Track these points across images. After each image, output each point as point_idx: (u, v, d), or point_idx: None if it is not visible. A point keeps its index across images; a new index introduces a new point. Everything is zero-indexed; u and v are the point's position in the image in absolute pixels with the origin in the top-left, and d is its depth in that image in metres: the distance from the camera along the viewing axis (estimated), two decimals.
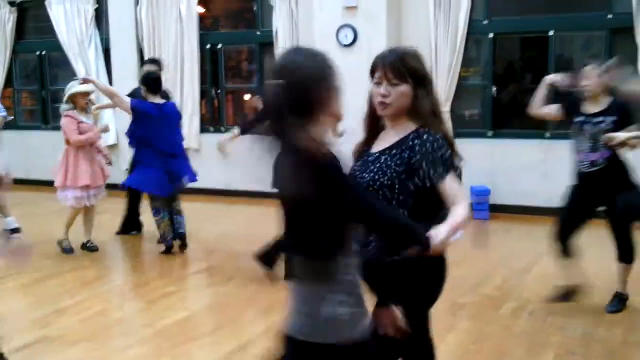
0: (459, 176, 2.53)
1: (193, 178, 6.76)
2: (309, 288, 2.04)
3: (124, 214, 7.35)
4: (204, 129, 9.77)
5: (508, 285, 5.47)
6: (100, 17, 10.27)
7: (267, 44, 9.21)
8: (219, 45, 9.74)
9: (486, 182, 7.94)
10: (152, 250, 6.65)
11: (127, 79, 9.19)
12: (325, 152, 1.93)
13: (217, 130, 9.75)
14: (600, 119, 4.55)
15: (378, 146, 2.65)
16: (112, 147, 9.08)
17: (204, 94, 9.81)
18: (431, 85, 2.59)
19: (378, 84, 2.56)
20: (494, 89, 8.20)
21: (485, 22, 8.15)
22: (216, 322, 4.89)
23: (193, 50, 9.57)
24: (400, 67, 2.52)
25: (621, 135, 4.35)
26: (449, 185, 2.44)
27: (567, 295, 4.87)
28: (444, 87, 8.02)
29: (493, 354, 4.18)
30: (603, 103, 4.61)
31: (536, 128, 7.67)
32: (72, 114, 6.49)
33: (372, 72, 2.59)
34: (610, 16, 7.63)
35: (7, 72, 11.17)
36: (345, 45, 8.00)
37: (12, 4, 10.82)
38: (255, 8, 9.46)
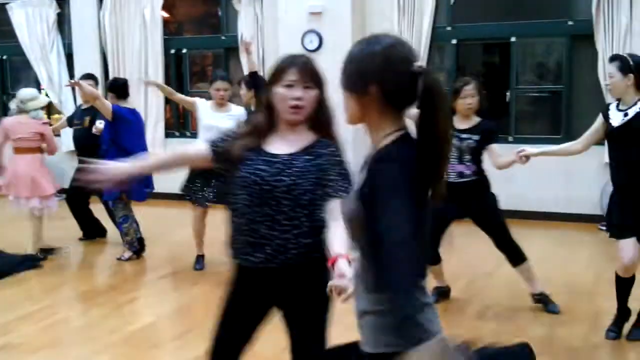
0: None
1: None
2: None
3: (76, 220, 7.22)
4: (168, 134, 9.72)
5: (473, 288, 5.52)
6: (63, 22, 10.15)
7: (232, 48, 9.20)
8: (184, 50, 9.69)
9: None
10: (116, 255, 6.56)
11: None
12: None
13: (183, 135, 9.72)
14: (467, 135, 4.78)
15: (280, 149, 2.53)
16: (71, 152, 8.91)
17: (168, 100, 9.73)
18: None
19: (290, 86, 2.47)
20: None
21: (449, 28, 8.25)
22: (183, 327, 4.85)
23: (157, 55, 9.51)
24: (314, 70, 2.49)
25: (532, 150, 4.59)
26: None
27: (440, 296, 5.10)
28: None
29: None
30: (472, 121, 4.84)
31: (500, 132, 7.75)
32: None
33: (278, 74, 2.51)
34: (570, 23, 7.79)
35: None
36: (311, 51, 8.01)
37: None
38: (220, 13, 9.45)
